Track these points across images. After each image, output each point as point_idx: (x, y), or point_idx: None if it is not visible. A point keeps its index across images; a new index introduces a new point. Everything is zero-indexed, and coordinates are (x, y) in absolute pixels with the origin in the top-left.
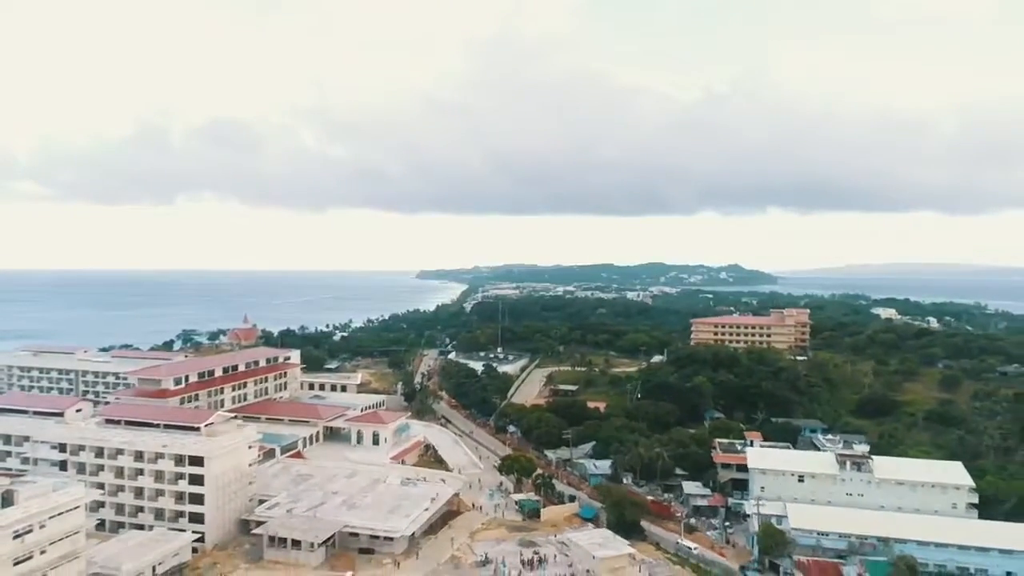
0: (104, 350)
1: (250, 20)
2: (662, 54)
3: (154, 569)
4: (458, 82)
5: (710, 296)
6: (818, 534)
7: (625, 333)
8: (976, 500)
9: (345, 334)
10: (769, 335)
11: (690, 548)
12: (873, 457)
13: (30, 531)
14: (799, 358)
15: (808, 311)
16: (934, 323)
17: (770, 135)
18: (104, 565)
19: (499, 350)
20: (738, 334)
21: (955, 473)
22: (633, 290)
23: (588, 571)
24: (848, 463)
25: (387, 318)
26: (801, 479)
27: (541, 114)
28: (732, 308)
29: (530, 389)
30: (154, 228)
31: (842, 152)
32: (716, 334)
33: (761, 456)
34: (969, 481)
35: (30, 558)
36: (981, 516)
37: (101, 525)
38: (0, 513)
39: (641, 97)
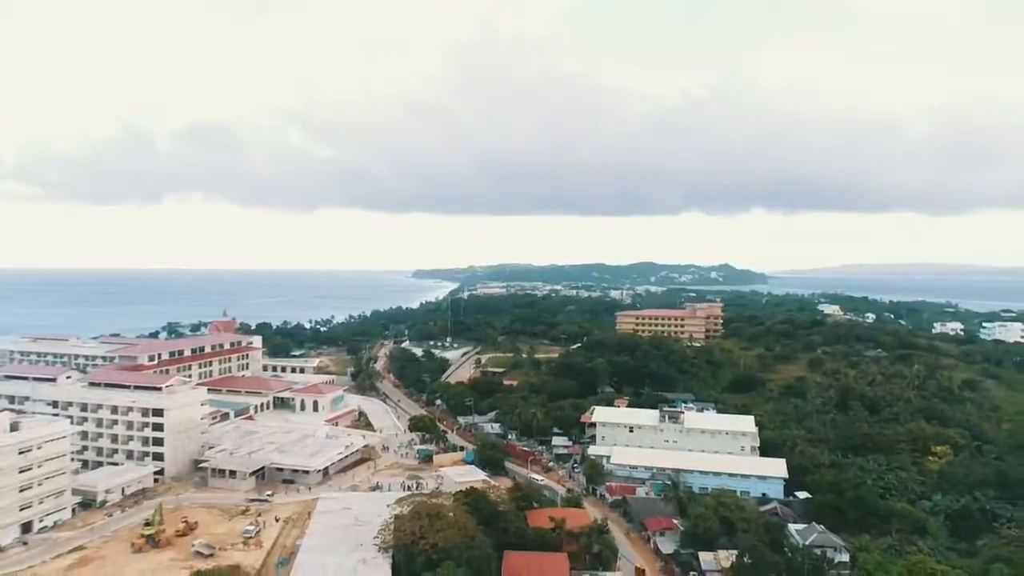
0: (94, 339)
1: (235, 23)
2: (642, 56)
3: (123, 490)
4: (439, 84)
5: (692, 294)
6: (630, 468)
7: (558, 324)
8: (758, 444)
9: (324, 328)
10: (682, 326)
11: (536, 479)
12: (685, 412)
13: (30, 450)
14: (696, 344)
15: (721, 305)
16: (871, 318)
17: (750, 136)
18: (84, 484)
19: (448, 339)
20: (654, 325)
21: (744, 424)
22: (620, 289)
23: (451, 493)
24: (667, 417)
25: (368, 315)
26: (631, 429)
27: (523, 116)
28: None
29: (464, 371)
30: (143, 227)
31: (824, 153)
32: (637, 325)
33: (603, 413)
34: (753, 429)
35: (30, 469)
36: (763, 455)
37: (85, 464)
38: (9, 435)
39: (622, 99)
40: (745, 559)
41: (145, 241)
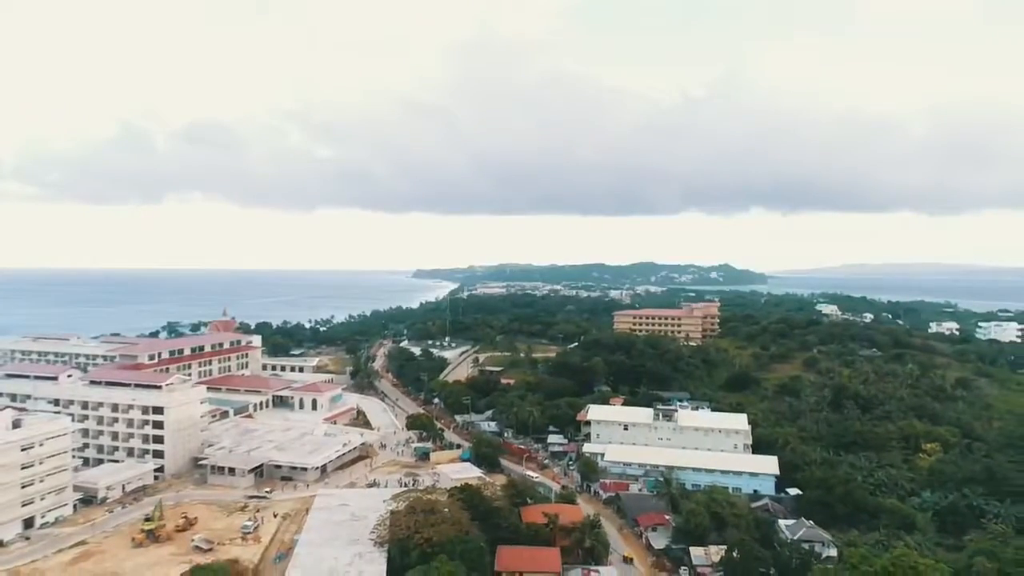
0: (95, 338)
1: (235, 23)
2: (642, 56)
3: (123, 487)
4: (439, 84)
5: (692, 294)
6: (624, 465)
7: (555, 324)
8: (750, 441)
9: (323, 328)
10: (679, 325)
11: (531, 476)
12: (679, 410)
13: (32, 446)
14: (692, 343)
15: (718, 304)
16: (869, 318)
17: (750, 136)
18: (85, 481)
19: (447, 339)
20: (652, 324)
21: (737, 421)
22: (619, 289)
23: (447, 489)
24: (661, 415)
25: (368, 315)
26: (626, 427)
27: (523, 116)
28: (691, 305)
29: (462, 370)
30: (143, 227)
31: (824, 153)
32: (634, 324)
33: (598, 411)
34: (746, 427)
35: (32, 466)
36: (756, 453)
37: (86, 461)
38: (12, 432)
39: (622, 98)
40: (734, 553)
41: (144, 241)
